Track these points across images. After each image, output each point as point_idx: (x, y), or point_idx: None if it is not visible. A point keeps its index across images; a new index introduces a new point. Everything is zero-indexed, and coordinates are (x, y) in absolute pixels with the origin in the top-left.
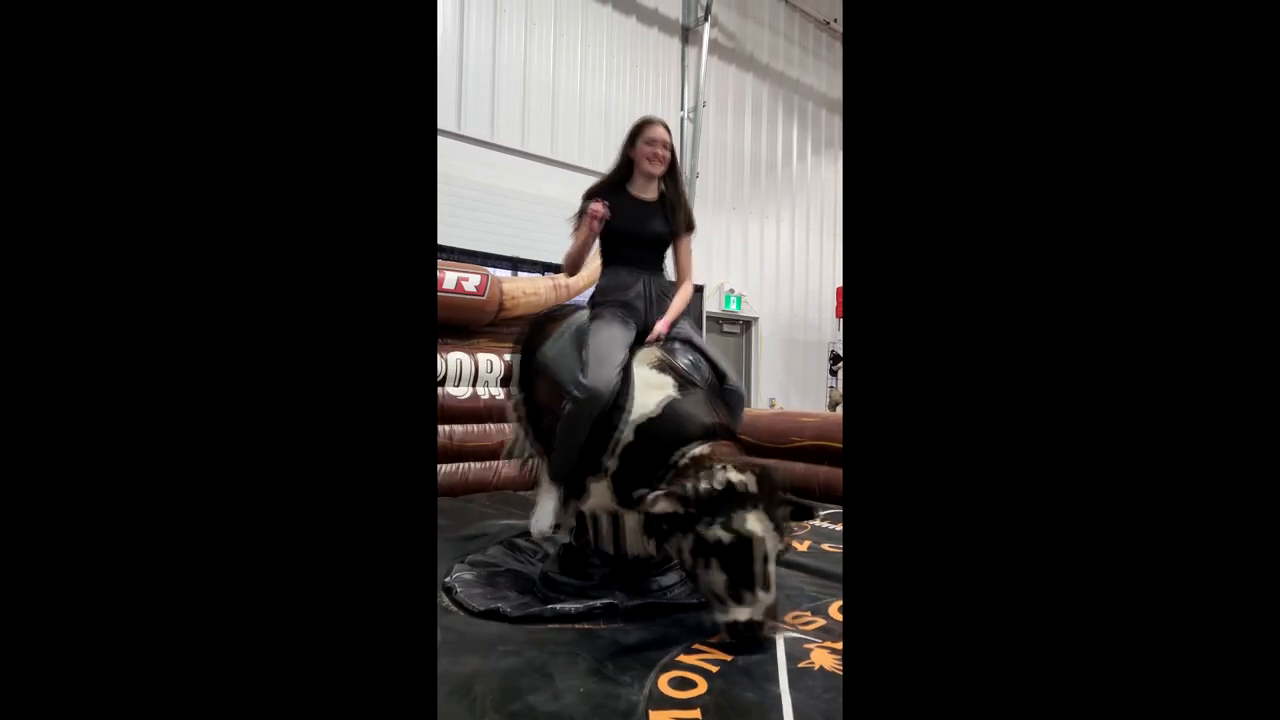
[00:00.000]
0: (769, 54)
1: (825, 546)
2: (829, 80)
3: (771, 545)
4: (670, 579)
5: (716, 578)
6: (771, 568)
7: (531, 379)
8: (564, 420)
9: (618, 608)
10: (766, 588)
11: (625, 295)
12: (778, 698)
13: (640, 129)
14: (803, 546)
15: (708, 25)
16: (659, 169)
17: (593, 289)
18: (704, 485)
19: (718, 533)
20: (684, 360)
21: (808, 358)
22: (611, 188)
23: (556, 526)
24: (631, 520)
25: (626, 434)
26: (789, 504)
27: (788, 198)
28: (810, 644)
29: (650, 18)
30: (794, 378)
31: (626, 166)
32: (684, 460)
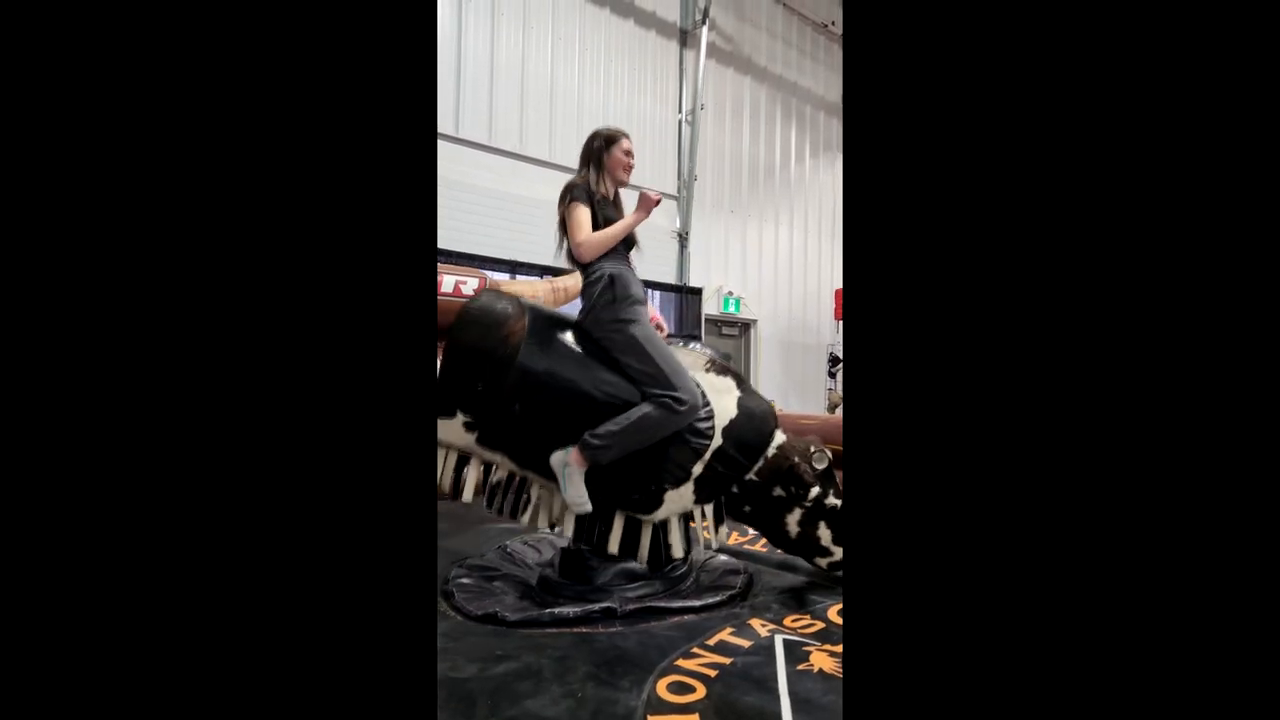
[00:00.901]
0: (767, 57)
1: None
2: (827, 83)
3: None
4: (669, 582)
5: (825, 533)
6: None
7: (517, 395)
8: (644, 421)
9: (616, 612)
10: None
11: (639, 291)
12: (777, 700)
13: (616, 139)
14: None
15: (705, 28)
16: (628, 178)
17: (606, 274)
18: (818, 466)
19: (834, 500)
20: (712, 352)
21: (806, 360)
22: (593, 190)
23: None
24: (707, 511)
25: (717, 440)
26: None
27: (786, 200)
28: (810, 646)
29: (648, 21)
30: (793, 380)
31: (596, 174)
32: (774, 450)
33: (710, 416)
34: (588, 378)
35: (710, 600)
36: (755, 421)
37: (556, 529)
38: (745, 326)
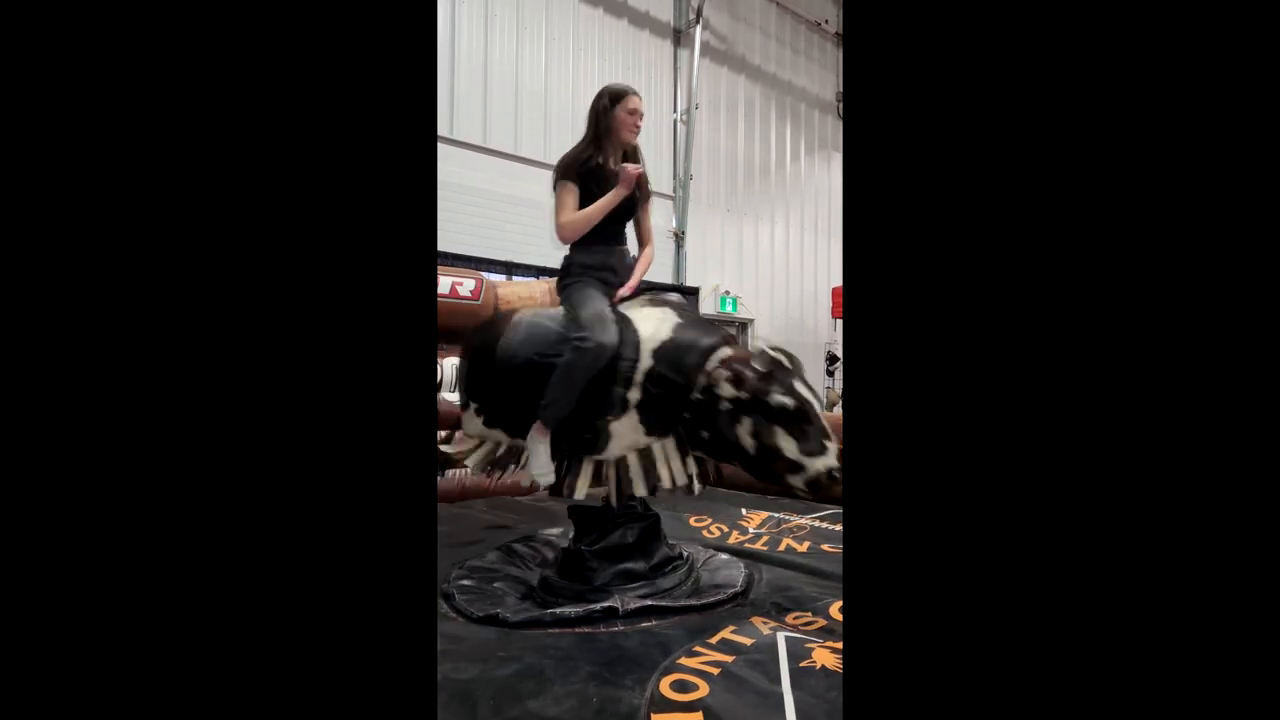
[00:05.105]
0: (761, 56)
1: (825, 547)
2: (821, 81)
3: (819, 408)
4: (670, 581)
5: (786, 443)
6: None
7: (497, 376)
8: (562, 370)
9: (618, 611)
10: (829, 438)
11: (602, 272)
12: (780, 698)
13: (620, 97)
14: (802, 547)
15: (699, 28)
16: (636, 138)
17: (567, 262)
18: (758, 367)
19: (781, 399)
20: (662, 296)
21: (804, 358)
22: (586, 162)
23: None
24: (666, 447)
25: (645, 361)
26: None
27: (781, 199)
28: (812, 643)
29: (641, 21)
30: None
31: (596, 138)
32: (716, 366)
33: (630, 342)
34: (545, 333)
35: (711, 599)
36: (692, 339)
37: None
38: (743, 326)
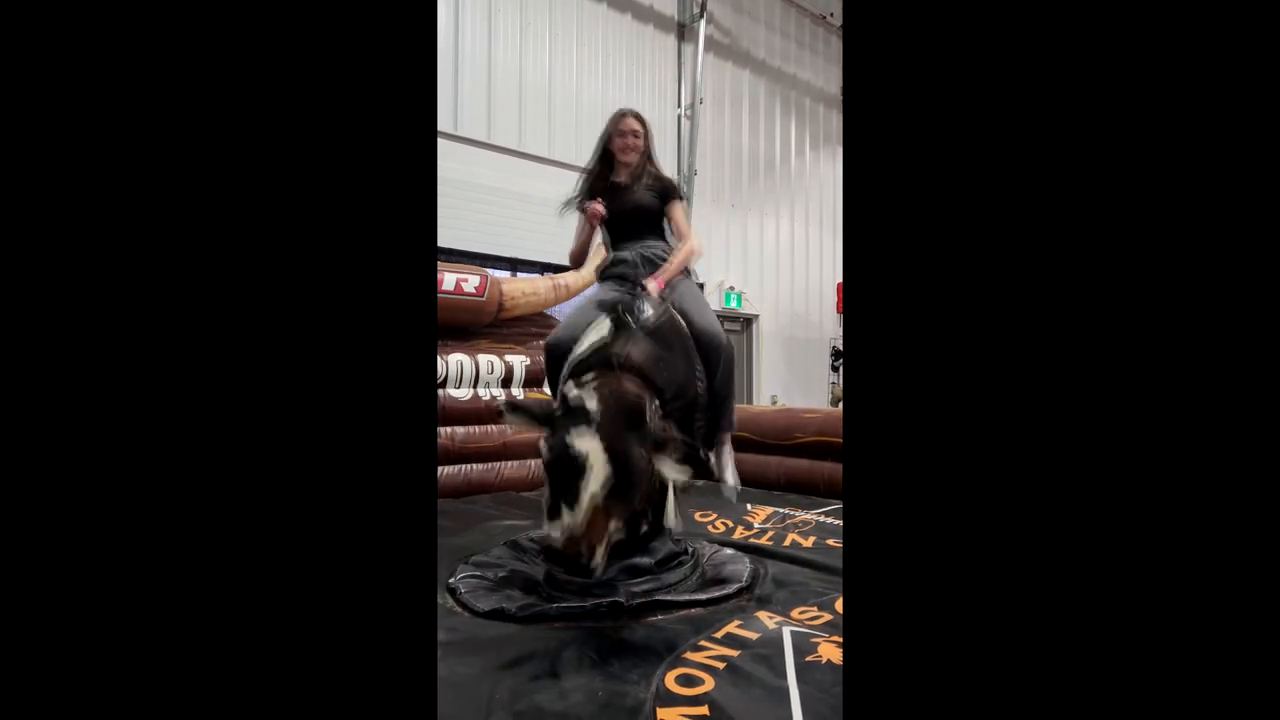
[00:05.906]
0: (765, 50)
1: (830, 542)
2: (826, 75)
3: (600, 472)
4: (675, 575)
5: (545, 493)
6: (590, 489)
7: None
8: None
9: (623, 606)
10: (573, 506)
11: (616, 269)
12: (785, 692)
13: (616, 120)
14: (808, 542)
15: (703, 22)
16: (634, 157)
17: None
18: (553, 404)
19: (545, 450)
20: (648, 310)
21: (809, 354)
22: (596, 180)
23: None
24: None
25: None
26: (681, 444)
27: (786, 194)
28: (818, 638)
29: (645, 15)
30: (795, 374)
31: (607, 158)
32: (573, 391)
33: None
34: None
35: (716, 594)
36: (585, 358)
37: None
38: (747, 321)
